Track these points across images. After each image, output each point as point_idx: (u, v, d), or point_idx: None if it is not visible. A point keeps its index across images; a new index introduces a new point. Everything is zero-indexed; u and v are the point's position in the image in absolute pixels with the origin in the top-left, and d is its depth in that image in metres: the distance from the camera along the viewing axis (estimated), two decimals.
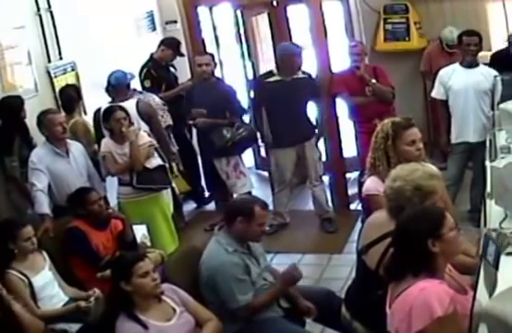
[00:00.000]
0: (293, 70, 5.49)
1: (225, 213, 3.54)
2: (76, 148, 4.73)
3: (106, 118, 4.80)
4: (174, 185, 5.38)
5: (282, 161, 5.71)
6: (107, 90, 5.34)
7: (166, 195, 5.16)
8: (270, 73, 5.59)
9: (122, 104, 5.06)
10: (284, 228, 5.86)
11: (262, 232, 3.43)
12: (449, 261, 2.52)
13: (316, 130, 5.76)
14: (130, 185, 4.81)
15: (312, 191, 5.82)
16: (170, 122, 5.79)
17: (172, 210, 5.26)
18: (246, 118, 5.87)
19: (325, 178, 6.06)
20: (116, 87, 5.24)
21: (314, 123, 5.77)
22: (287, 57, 5.45)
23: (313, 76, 5.68)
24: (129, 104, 5.12)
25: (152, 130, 5.27)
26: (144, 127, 5.19)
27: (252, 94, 5.90)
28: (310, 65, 5.94)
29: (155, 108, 5.64)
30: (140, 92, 5.75)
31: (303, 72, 5.57)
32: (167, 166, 5.15)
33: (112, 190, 5.02)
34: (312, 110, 5.81)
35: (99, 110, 5.06)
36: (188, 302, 3.12)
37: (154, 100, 5.70)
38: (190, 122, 5.66)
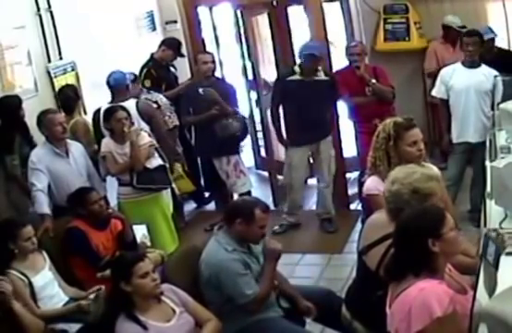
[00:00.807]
0: (316, 71, 5.45)
1: (225, 213, 3.54)
2: (76, 148, 4.72)
3: (107, 118, 4.79)
4: (174, 185, 5.39)
5: (296, 160, 5.64)
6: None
7: (166, 195, 5.16)
8: (292, 71, 5.53)
9: (121, 104, 5.06)
10: (294, 228, 5.85)
11: (261, 235, 3.42)
12: (449, 261, 2.52)
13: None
14: (130, 185, 4.81)
15: (321, 190, 5.78)
16: (177, 122, 5.80)
17: (172, 210, 5.26)
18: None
19: None
20: (116, 88, 5.24)
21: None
22: (314, 58, 5.38)
23: (334, 78, 5.59)
24: (129, 105, 5.12)
25: (153, 130, 5.27)
26: (145, 127, 5.20)
27: (271, 93, 5.80)
28: None
29: (163, 108, 5.66)
30: (148, 92, 5.75)
31: (326, 74, 5.51)
32: (167, 166, 5.16)
33: (112, 189, 5.02)
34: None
35: (98, 110, 5.06)
36: (187, 303, 3.12)
37: (162, 100, 5.71)
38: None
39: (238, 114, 5.71)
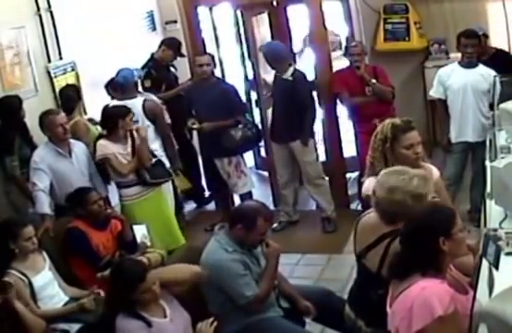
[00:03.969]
0: (279, 69, 5.54)
1: (229, 216, 3.57)
2: (79, 148, 4.71)
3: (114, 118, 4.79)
4: (177, 184, 5.43)
5: (275, 155, 5.83)
6: (112, 87, 5.41)
7: (168, 194, 5.21)
8: None
9: (128, 102, 5.12)
10: (292, 225, 5.89)
11: (260, 240, 3.42)
12: (452, 261, 2.52)
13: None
14: (141, 183, 4.80)
15: (309, 192, 5.81)
16: (168, 121, 5.80)
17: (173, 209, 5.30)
18: (248, 116, 5.91)
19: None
20: (124, 85, 5.29)
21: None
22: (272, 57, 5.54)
23: (302, 80, 5.55)
24: (136, 103, 5.16)
25: (157, 129, 5.31)
26: (150, 125, 5.24)
27: None
28: (309, 65, 5.96)
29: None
30: (139, 92, 5.75)
31: (292, 74, 5.48)
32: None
33: (113, 189, 5.01)
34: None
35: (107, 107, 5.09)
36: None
37: (152, 99, 5.71)
38: (195, 126, 5.64)
39: (245, 122, 5.68)
